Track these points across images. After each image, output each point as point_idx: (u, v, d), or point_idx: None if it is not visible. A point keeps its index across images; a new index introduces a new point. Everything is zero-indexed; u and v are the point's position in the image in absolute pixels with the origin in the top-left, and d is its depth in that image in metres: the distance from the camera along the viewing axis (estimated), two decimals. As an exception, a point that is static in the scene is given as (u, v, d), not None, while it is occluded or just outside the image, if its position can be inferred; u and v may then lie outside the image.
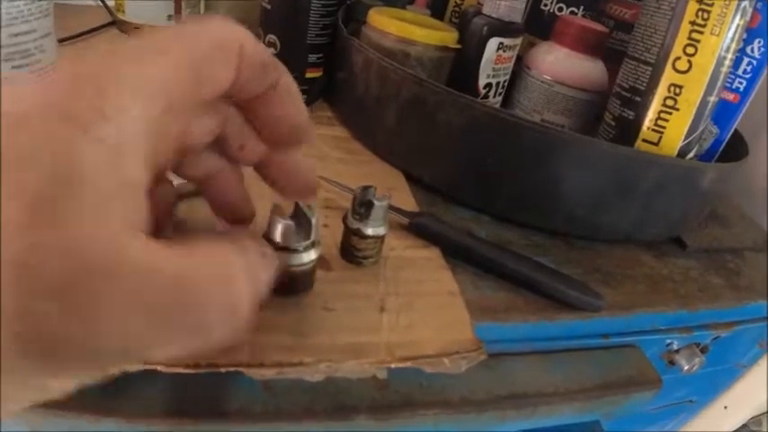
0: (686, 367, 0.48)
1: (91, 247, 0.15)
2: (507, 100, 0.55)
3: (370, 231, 0.34)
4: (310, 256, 0.31)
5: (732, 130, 0.52)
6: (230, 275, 0.19)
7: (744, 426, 0.92)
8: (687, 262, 0.49)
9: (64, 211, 0.15)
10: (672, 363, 0.49)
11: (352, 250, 0.35)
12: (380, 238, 0.35)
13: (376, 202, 0.33)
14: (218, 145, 0.26)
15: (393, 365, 0.30)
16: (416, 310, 0.33)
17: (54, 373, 0.17)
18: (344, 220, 0.35)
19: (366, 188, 0.34)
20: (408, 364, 0.30)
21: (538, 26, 0.56)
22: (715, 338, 0.50)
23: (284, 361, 0.29)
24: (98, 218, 0.16)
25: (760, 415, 0.90)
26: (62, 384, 0.17)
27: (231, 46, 0.21)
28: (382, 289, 0.34)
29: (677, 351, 0.49)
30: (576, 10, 0.56)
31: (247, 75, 0.22)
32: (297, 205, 0.31)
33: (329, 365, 0.29)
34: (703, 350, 0.50)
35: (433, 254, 0.39)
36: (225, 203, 0.30)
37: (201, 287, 0.18)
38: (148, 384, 0.30)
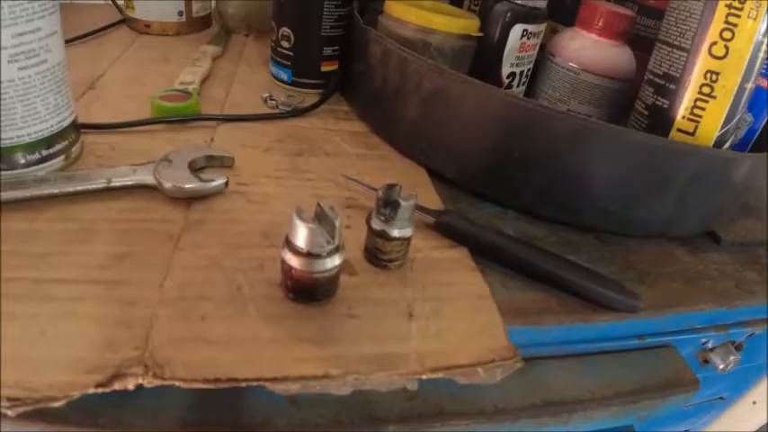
0: (721, 366, 0.46)
1: None
2: (530, 89, 0.52)
3: (395, 233, 0.32)
4: (334, 261, 0.29)
5: (766, 119, 0.49)
6: None
7: (768, 423, 0.90)
8: (722, 257, 0.46)
9: None
10: (706, 361, 0.47)
11: (376, 253, 0.33)
12: (407, 240, 0.33)
13: (402, 202, 0.31)
14: None
15: (424, 377, 0.28)
16: (446, 316, 0.32)
17: None
18: (368, 221, 0.33)
19: (391, 187, 0.32)
20: (440, 374, 0.29)
21: (560, 12, 0.54)
22: (750, 335, 0.48)
23: (309, 374, 0.27)
24: None
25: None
26: None
27: None
28: (409, 294, 0.33)
29: (712, 349, 0.47)
30: (600, -6, 0.53)
31: None
32: (319, 206, 0.29)
33: (357, 378, 0.28)
34: (738, 347, 0.48)
35: (460, 254, 0.37)
36: None
37: None
38: (166, 398, 0.28)
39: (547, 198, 0.42)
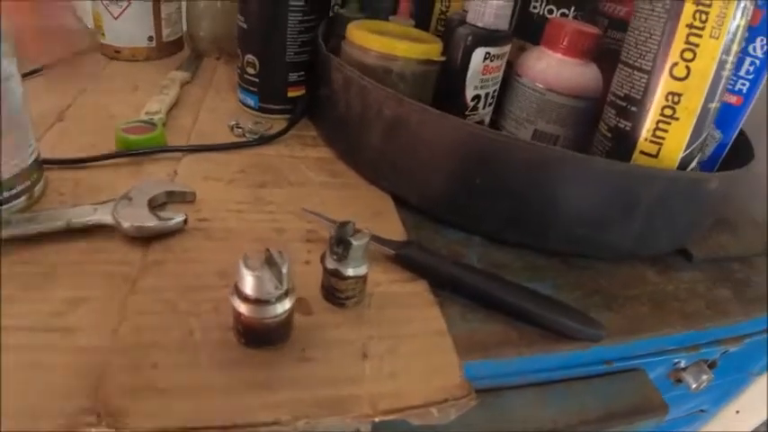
0: (694, 386, 0.46)
1: None
2: (498, 109, 0.52)
3: (350, 272, 0.32)
4: (284, 306, 0.29)
5: (736, 133, 0.49)
6: None
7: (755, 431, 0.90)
8: (693, 275, 0.46)
9: None
10: (679, 380, 0.47)
11: (333, 291, 0.33)
12: (362, 278, 0.33)
13: (354, 242, 0.31)
14: None
15: (377, 419, 0.28)
16: (401, 355, 0.31)
17: None
18: (322, 260, 0.33)
19: (343, 225, 0.32)
20: (393, 417, 0.29)
21: (528, 30, 0.53)
22: (724, 353, 0.48)
23: (258, 421, 0.27)
24: None
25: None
26: None
27: None
28: (365, 332, 0.32)
29: (684, 369, 0.47)
30: (566, 11, 0.53)
31: None
32: (268, 252, 0.29)
33: (307, 422, 0.28)
34: (711, 365, 0.48)
35: (419, 287, 0.37)
36: None
37: None
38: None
39: (512, 225, 0.42)
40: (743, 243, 0.52)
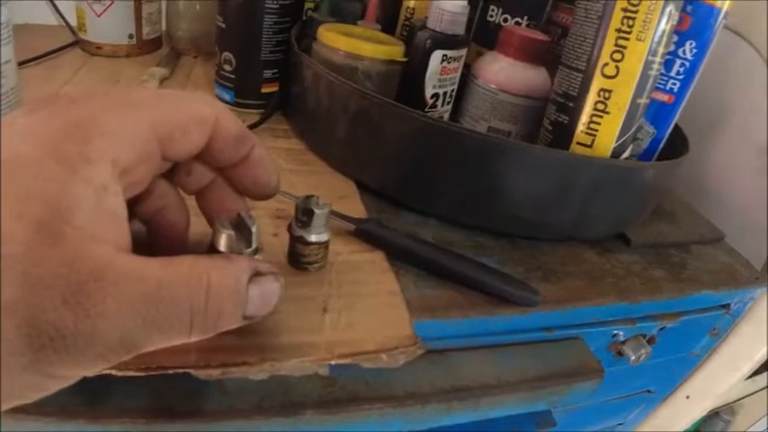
0: (633, 358, 0.50)
1: (86, 261, 0.20)
2: (457, 108, 0.57)
3: (313, 238, 0.36)
4: (252, 262, 0.33)
5: (670, 129, 0.54)
6: (202, 278, 0.23)
7: (715, 413, 0.94)
8: (631, 257, 0.51)
9: (62, 235, 0.19)
10: (620, 354, 0.52)
11: (298, 257, 0.37)
12: (324, 244, 0.37)
13: (317, 210, 0.35)
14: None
15: (333, 362, 0.32)
16: (358, 310, 0.35)
17: (56, 366, 0.20)
18: (289, 228, 0.37)
19: (308, 197, 0.36)
20: (347, 360, 0.32)
21: (485, 36, 0.59)
22: (661, 329, 0.52)
23: (229, 361, 0.31)
24: (89, 240, 0.20)
25: (731, 403, 0.93)
26: (61, 380, 0.21)
27: (207, 120, 0.26)
28: (326, 291, 0.36)
29: (623, 342, 0.51)
30: (520, 20, 0.58)
31: (221, 145, 0.27)
32: (239, 215, 0.33)
33: (272, 364, 0.31)
34: (650, 341, 0.53)
35: (377, 257, 0.41)
36: (167, 236, 0.32)
37: (178, 287, 0.22)
38: (106, 387, 0.32)
39: (462, 207, 0.46)
40: (682, 231, 0.57)
